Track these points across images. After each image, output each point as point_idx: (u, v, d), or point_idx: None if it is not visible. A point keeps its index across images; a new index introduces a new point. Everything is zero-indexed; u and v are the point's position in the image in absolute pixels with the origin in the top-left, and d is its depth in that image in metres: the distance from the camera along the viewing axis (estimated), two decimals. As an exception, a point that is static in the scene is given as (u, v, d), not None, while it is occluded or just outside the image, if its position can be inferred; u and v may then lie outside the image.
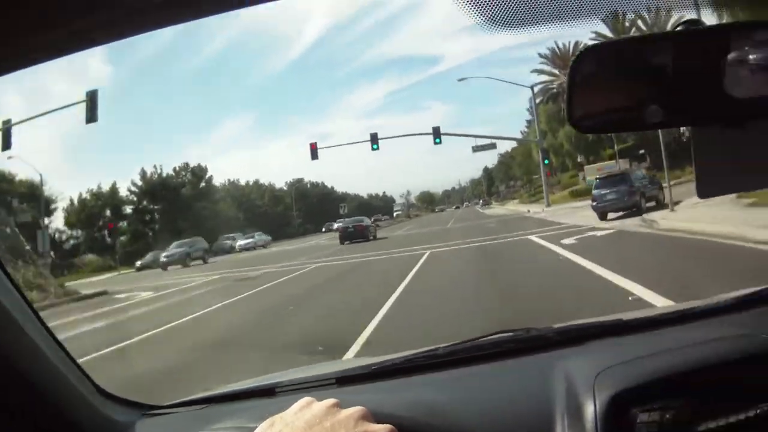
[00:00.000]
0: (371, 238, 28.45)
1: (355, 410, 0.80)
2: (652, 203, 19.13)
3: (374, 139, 27.05)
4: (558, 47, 46.30)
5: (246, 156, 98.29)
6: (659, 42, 0.98)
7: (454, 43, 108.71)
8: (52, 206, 42.40)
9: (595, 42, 0.95)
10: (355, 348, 5.88)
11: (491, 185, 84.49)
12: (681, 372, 1.09)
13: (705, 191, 1.03)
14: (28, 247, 21.66)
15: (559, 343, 1.33)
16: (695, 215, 12.57)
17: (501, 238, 16.89)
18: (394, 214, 69.98)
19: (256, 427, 0.79)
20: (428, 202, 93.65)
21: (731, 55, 0.91)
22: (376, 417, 0.81)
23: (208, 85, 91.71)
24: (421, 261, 14.07)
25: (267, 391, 1.40)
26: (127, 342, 8.69)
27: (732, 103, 0.90)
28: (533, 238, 15.21)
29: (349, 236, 28.50)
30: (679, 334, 1.29)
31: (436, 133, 26.41)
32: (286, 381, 1.43)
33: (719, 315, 1.35)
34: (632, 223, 15.11)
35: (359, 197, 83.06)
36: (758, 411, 0.97)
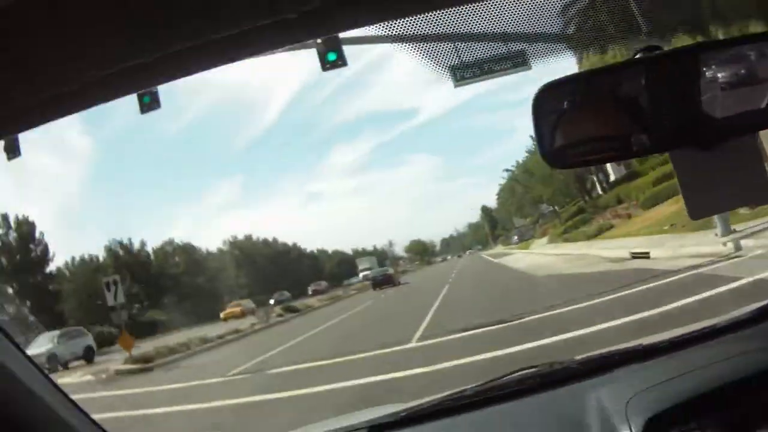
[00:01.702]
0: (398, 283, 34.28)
1: None
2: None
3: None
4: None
5: (231, 222, 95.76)
6: (622, 71, 0.98)
7: (427, 95, 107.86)
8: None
9: (556, 78, 0.93)
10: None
11: (494, 227, 67.73)
12: (710, 391, 1.09)
13: (695, 213, 1.04)
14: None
15: (584, 374, 1.31)
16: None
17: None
18: (361, 275, 48.35)
19: None
20: (420, 252, 71.66)
21: (702, 77, 0.91)
22: None
23: (192, 152, 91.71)
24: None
25: None
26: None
27: (708, 124, 0.90)
28: None
29: (380, 283, 34.53)
30: (700, 354, 1.29)
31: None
32: None
33: (735, 331, 1.35)
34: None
35: (340, 253, 68.04)
36: None
